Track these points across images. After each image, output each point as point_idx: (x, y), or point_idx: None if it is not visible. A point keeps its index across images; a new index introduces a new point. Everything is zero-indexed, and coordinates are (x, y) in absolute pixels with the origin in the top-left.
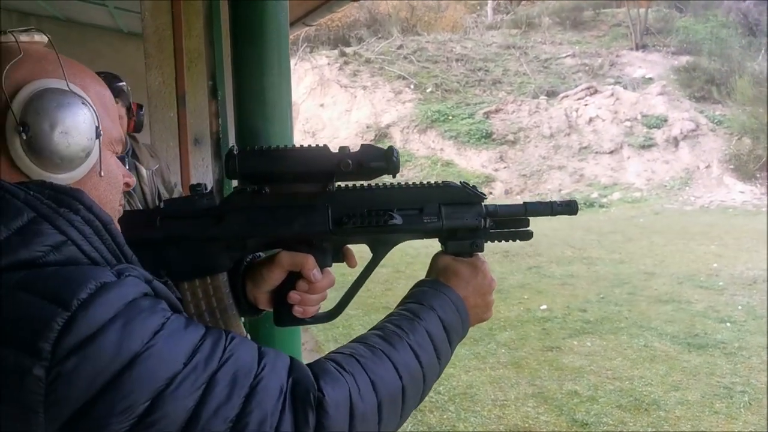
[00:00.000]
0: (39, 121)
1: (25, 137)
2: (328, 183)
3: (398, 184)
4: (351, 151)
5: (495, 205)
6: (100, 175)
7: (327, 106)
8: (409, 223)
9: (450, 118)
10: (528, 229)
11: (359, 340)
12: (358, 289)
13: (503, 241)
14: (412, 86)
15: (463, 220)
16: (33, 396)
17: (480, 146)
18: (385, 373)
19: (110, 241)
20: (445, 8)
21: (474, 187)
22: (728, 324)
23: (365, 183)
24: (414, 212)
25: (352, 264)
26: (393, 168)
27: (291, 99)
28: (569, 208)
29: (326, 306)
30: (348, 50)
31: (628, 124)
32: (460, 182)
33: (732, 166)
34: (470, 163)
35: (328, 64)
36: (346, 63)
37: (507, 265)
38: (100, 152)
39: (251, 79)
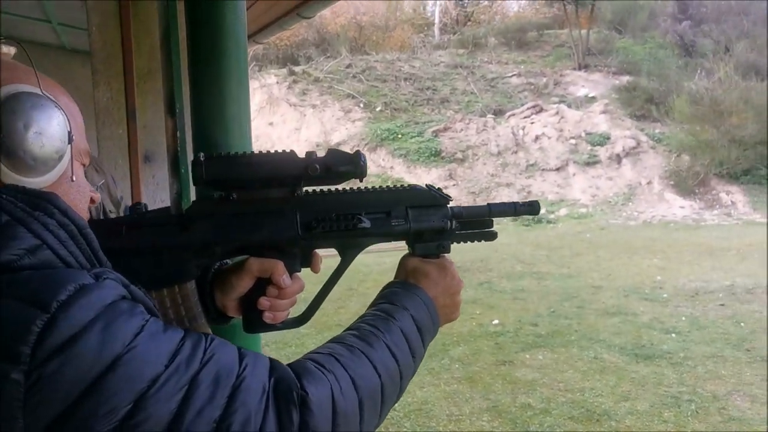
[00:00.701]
0: (13, 121)
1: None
2: (296, 188)
3: (365, 188)
4: (318, 156)
5: (460, 207)
6: (72, 180)
7: (276, 124)
8: (378, 226)
9: (399, 136)
10: (492, 229)
11: (336, 340)
12: (327, 293)
13: (468, 242)
14: (361, 105)
15: (430, 222)
16: (12, 402)
17: (429, 164)
18: (365, 371)
19: (85, 245)
20: (393, 28)
21: (439, 189)
22: (673, 335)
23: (333, 187)
24: (382, 215)
25: (316, 269)
26: (360, 172)
27: (249, 113)
28: (531, 208)
29: (295, 312)
30: (297, 69)
31: (573, 141)
32: (426, 185)
33: (672, 182)
34: (420, 181)
35: (277, 82)
36: (295, 82)
37: None
38: (72, 157)
39: (210, 94)
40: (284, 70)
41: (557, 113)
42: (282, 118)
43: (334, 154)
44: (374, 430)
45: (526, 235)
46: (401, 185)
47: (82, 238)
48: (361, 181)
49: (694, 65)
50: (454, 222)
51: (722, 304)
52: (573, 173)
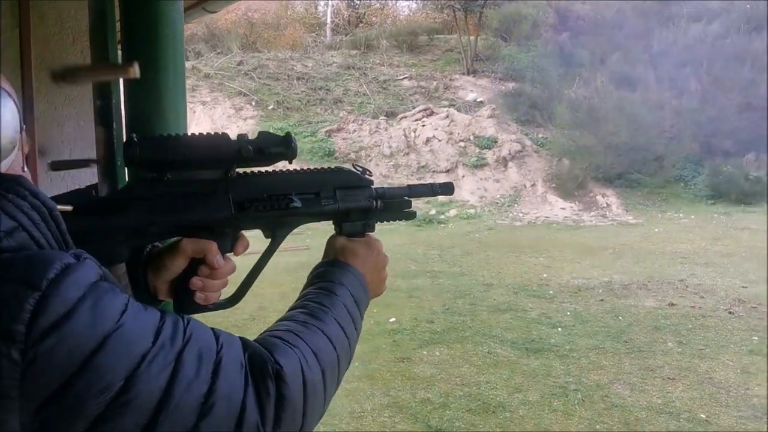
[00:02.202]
0: None
1: None
2: (229, 169)
3: (295, 169)
4: (250, 137)
5: (383, 188)
6: (24, 170)
7: None
8: (308, 206)
9: (295, 134)
10: (412, 210)
11: (287, 318)
12: (257, 274)
13: (390, 222)
14: (253, 103)
15: (357, 202)
16: (7, 381)
17: (323, 164)
18: (323, 344)
19: (55, 228)
20: (285, 27)
21: (364, 170)
22: (559, 329)
23: (263, 169)
24: (311, 196)
25: (239, 251)
26: (291, 153)
27: (186, 101)
28: (447, 188)
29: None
30: (186, 64)
31: (462, 144)
32: (353, 165)
33: (554, 185)
34: None
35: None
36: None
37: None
38: (22, 146)
39: (145, 82)
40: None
41: (447, 116)
42: None
43: (265, 136)
44: (332, 397)
45: (418, 235)
46: (328, 167)
47: (52, 221)
48: (290, 162)
49: (573, 74)
50: (378, 202)
51: (602, 300)
52: (462, 175)
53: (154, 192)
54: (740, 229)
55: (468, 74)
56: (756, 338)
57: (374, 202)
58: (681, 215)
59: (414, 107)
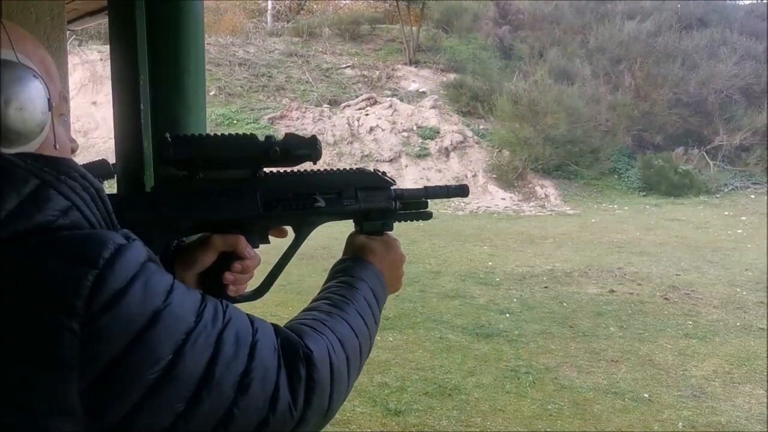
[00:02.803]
0: None
1: None
2: (258, 169)
3: (318, 170)
4: (277, 139)
5: (402, 189)
6: (55, 148)
7: (101, 104)
8: (331, 205)
9: (235, 122)
10: (428, 210)
11: (312, 309)
12: (282, 268)
13: (408, 221)
14: None
15: (377, 202)
16: (68, 353)
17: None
18: (347, 333)
19: (103, 208)
20: (225, 11)
21: (384, 173)
22: (507, 315)
23: (289, 169)
24: (334, 196)
25: (283, 234)
26: (316, 155)
27: (205, 88)
28: (462, 190)
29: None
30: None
31: (405, 134)
32: (374, 169)
33: (495, 176)
34: None
35: (101, 59)
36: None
37: (303, 268)
38: (53, 125)
39: (168, 68)
40: (108, 47)
41: (390, 106)
42: (107, 98)
43: (292, 138)
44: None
45: None
46: (351, 168)
47: (100, 201)
48: (314, 163)
49: (512, 67)
50: (397, 202)
51: (546, 287)
52: (405, 165)
53: (186, 189)
54: (671, 220)
55: (410, 64)
56: (690, 323)
57: (393, 203)
58: (615, 206)
59: (357, 96)
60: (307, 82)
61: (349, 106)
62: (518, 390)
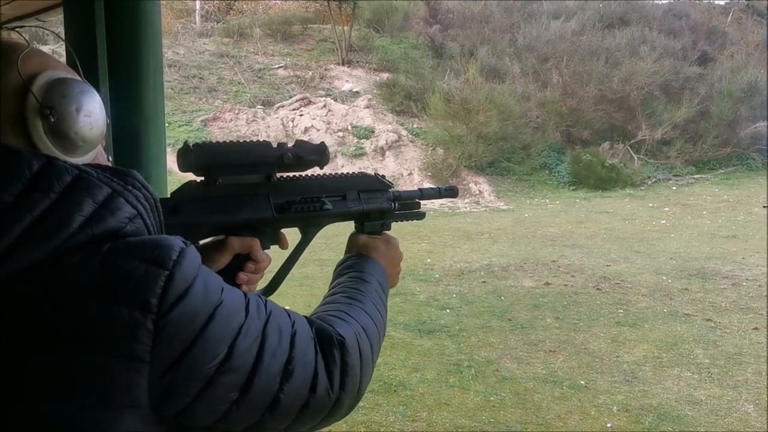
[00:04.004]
0: (65, 105)
1: (53, 120)
2: (271, 174)
3: (325, 174)
4: (289, 146)
5: (399, 191)
6: (108, 160)
7: None
8: (337, 207)
9: (167, 124)
10: (421, 210)
11: (331, 302)
12: (290, 268)
13: (405, 221)
14: None
15: (378, 203)
16: (143, 347)
17: None
18: (368, 321)
19: (158, 216)
20: None
21: (383, 176)
22: (448, 310)
23: (298, 173)
24: (339, 198)
25: (284, 246)
26: (325, 161)
27: (164, 99)
28: (452, 192)
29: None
30: (46, 48)
31: (340, 134)
32: (374, 173)
33: (430, 174)
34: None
35: None
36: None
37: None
38: (107, 137)
39: (127, 81)
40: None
41: (325, 106)
42: None
43: (302, 144)
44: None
45: None
46: (353, 172)
47: (156, 210)
48: (321, 168)
49: (444, 66)
50: (396, 203)
51: (484, 281)
52: (342, 165)
53: (206, 194)
54: (600, 212)
55: (343, 64)
56: (621, 311)
57: (392, 204)
58: (547, 201)
59: (290, 96)
60: (239, 83)
61: (283, 106)
62: (461, 383)
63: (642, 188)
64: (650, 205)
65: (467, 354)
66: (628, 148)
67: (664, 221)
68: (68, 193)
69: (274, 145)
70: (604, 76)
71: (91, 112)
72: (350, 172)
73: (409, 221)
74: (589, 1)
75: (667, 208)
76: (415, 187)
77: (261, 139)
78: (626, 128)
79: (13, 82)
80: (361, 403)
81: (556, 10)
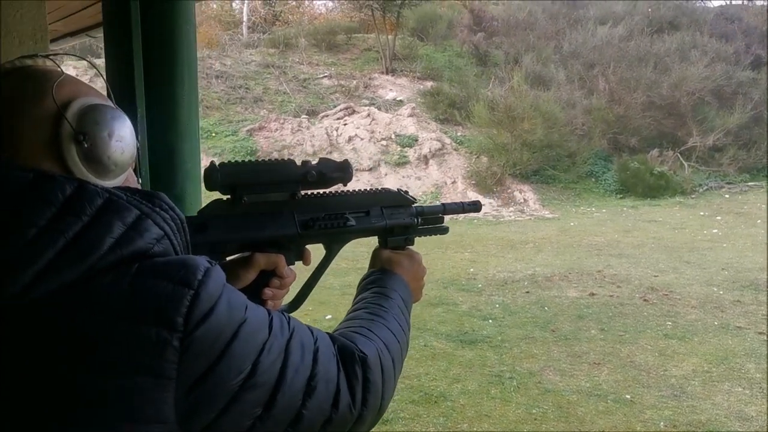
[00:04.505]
0: (98, 131)
1: (86, 145)
2: (296, 192)
3: (348, 191)
4: (313, 163)
5: (422, 206)
6: (139, 182)
7: None
8: (360, 223)
9: (213, 135)
10: (444, 225)
11: (354, 318)
12: (314, 284)
13: (428, 236)
14: None
15: (401, 219)
16: (169, 365)
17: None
18: (390, 337)
19: (184, 237)
20: (200, 24)
21: (407, 192)
22: (490, 321)
23: (322, 191)
24: (362, 214)
25: (308, 262)
26: (348, 178)
27: (199, 115)
28: (475, 206)
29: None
30: (98, 62)
31: (384, 143)
32: (396, 189)
33: (474, 182)
34: None
35: (77, 75)
36: (97, 75)
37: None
38: (137, 159)
39: (163, 100)
40: (84, 63)
41: (368, 115)
42: None
43: (326, 162)
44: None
45: None
46: (376, 188)
47: (183, 231)
48: (345, 185)
49: (488, 74)
50: (419, 219)
51: (527, 292)
52: (385, 173)
53: (231, 212)
54: (648, 221)
55: (387, 73)
56: (669, 323)
57: (415, 219)
58: (593, 209)
59: (335, 106)
60: (284, 93)
61: (327, 116)
62: (503, 395)
63: (693, 196)
64: (701, 213)
65: (509, 365)
66: (678, 155)
67: (716, 230)
68: (99, 216)
69: (298, 163)
70: (653, 82)
71: (123, 137)
72: (373, 189)
73: (433, 236)
74: (637, 4)
75: (719, 217)
76: (459, 196)
77: (285, 158)
78: (676, 135)
79: (49, 109)
80: (401, 414)
81: (603, 15)
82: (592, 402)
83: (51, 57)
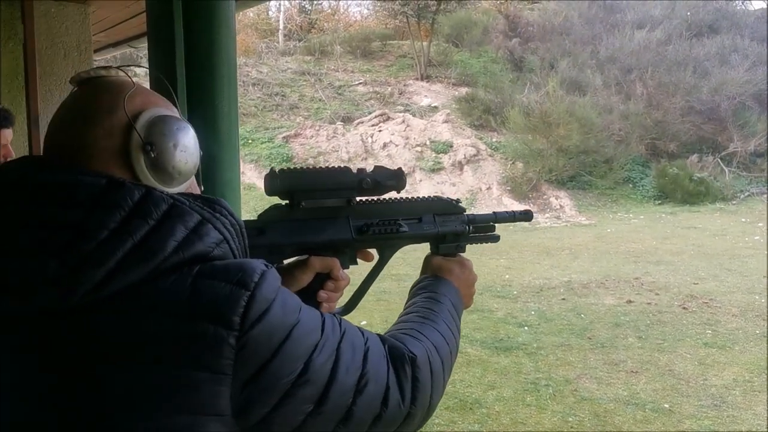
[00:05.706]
0: (164, 141)
1: (153, 155)
2: (351, 198)
3: (401, 198)
4: (368, 171)
5: (473, 215)
6: (201, 190)
7: None
8: (413, 229)
9: (249, 141)
10: (496, 233)
11: (405, 321)
12: (368, 287)
13: (479, 244)
14: None
15: (453, 226)
16: (226, 361)
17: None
18: (439, 340)
19: (242, 240)
20: (238, 32)
21: (458, 200)
22: (526, 328)
23: (376, 197)
24: (415, 221)
25: (370, 259)
26: (402, 185)
27: (238, 124)
28: (526, 215)
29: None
30: (139, 71)
31: (418, 149)
32: (447, 197)
33: (509, 188)
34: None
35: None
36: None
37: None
38: (200, 169)
39: (204, 109)
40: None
41: (403, 121)
42: None
43: (381, 170)
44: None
45: None
46: (428, 196)
47: (241, 235)
48: (398, 193)
49: (524, 79)
50: (470, 226)
51: (563, 299)
52: (419, 179)
53: (290, 216)
54: (687, 228)
55: (422, 80)
56: (710, 332)
57: (466, 227)
58: (631, 215)
59: (370, 112)
60: (320, 100)
61: (362, 122)
62: (538, 403)
63: (734, 202)
64: (743, 220)
65: (545, 373)
66: (719, 160)
67: (757, 237)
68: (164, 220)
69: (354, 170)
70: (692, 87)
71: (187, 147)
72: (426, 196)
73: (484, 244)
74: (676, 7)
75: (761, 224)
76: (494, 202)
77: (342, 165)
78: (716, 140)
79: (120, 119)
80: (436, 420)
81: (641, 19)
82: (629, 411)
83: (123, 68)
